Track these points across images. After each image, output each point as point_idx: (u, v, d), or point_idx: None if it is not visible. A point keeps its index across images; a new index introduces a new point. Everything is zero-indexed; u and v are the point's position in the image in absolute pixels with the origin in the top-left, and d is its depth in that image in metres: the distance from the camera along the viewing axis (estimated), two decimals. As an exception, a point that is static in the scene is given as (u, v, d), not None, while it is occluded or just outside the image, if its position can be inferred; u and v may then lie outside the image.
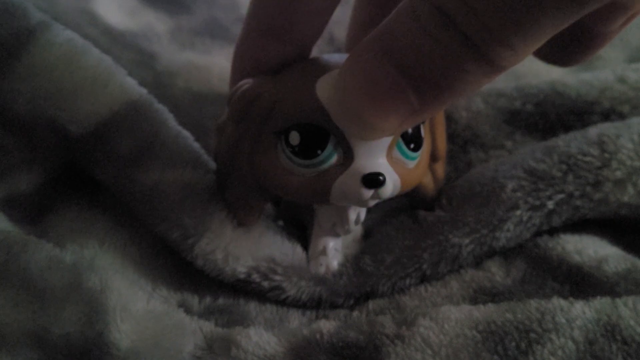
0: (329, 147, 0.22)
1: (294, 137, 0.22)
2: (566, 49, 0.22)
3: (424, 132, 0.24)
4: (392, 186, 0.23)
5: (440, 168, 0.27)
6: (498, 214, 0.26)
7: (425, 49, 0.16)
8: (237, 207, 0.26)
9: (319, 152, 0.22)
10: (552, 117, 0.31)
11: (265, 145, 0.23)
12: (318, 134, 0.22)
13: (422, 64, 0.17)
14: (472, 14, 0.15)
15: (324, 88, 0.21)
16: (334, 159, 0.22)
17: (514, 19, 0.15)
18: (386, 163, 0.23)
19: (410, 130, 0.23)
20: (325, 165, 0.22)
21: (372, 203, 0.23)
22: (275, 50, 0.23)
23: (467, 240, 0.26)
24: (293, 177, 0.23)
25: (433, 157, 0.26)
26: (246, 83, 0.23)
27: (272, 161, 0.23)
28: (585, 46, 0.21)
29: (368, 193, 0.22)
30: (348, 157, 0.22)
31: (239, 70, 0.25)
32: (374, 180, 0.22)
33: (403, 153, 0.23)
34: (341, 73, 0.19)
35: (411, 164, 0.24)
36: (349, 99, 0.18)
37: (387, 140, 0.22)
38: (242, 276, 0.26)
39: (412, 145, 0.23)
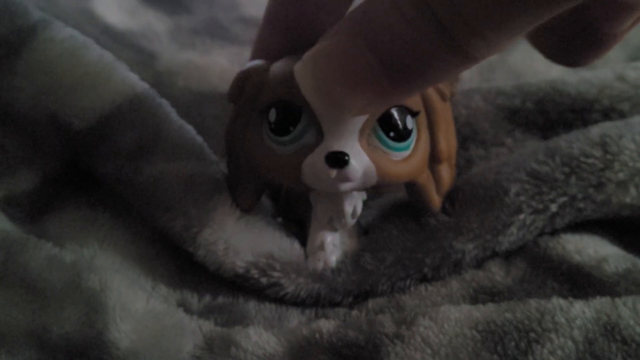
0: (301, 125, 0.23)
1: (272, 114, 0.23)
2: (575, 50, 0.22)
3: (413, 125, 0.24)
4: (360, 170, 0.22)
5: (445, 171, 0.26)
6: (502, 219, 0.26)
7: (400, 33, 0.16)
8: (234, 190, 0.26)
9: (291, 129, 0.23)
10: (552, 115, 0.31)
11: (253, 125, 0.24)
12: (291, 112, 0.23)
13: (395, 47, 0.17)
14: (449, 3, 0.15)
15: (299, 66, 0.22)
16: (307, 139, 0.23)
17: (490, 11, 0.15)
18: (356, 146, 0.23)
19: (397, 120, 0.23)
20: (298, 144, 0.23)
21: (343, 187, 0.23)
22: (287, 44, 0.24)
23: (471, 246, 0.26)
24: (272, 156, 0.23)
25: (434, 158, 0.26)
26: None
27: (258, 140, 0.24)
28: (594, 47, 0.21)
29: (331, 172, 0.22)
30: (319, 137, 0.23)
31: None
32: (336, 159, 0.22)
33: (383, 142, 0.23)
34: (315, 47, 0.19)
35: (396, 156, 0.23)
36: (319, 73, 0.19)
37: (358, 123, 0.22)
38: (240, 271, 0.26)
39: (392, 134, 0.23)
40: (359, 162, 0.22)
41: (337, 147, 0.22)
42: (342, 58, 0.18)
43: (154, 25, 0.40)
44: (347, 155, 0.22)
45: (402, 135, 0.23)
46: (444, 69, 0.17)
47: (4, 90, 0.26)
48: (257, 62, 0.24)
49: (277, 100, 0.23)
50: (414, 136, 0.24)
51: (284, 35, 0.24)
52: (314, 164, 0.22)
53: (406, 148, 0.24)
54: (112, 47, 0.36)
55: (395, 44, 0.17)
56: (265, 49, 0.25)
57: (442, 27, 0.16)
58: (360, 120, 0.22)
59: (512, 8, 0.15)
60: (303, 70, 0.19)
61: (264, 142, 0.24)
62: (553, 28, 0.16)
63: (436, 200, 0.26)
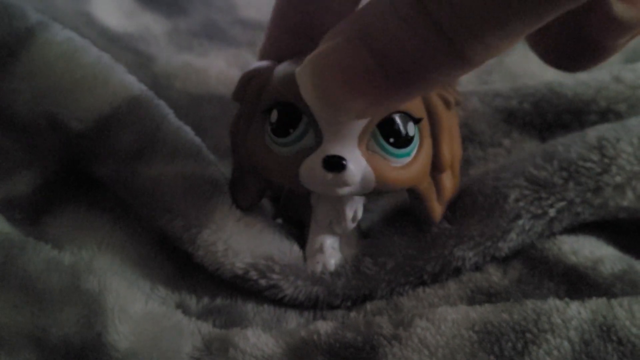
0: (301, 127, 0.23)
1: (273, 115, 0.23)
2: (571, 57, 0.22)
3: (415, 131, 0.23)
4: (359, 175, 0.22)
5: (448, 180, 0.26)
6: (502, 226, 0.26)
7: (399, 36, 0.16)
8: (234, 188, 0.26)
9: (291, 130, 0.23)
10: (549, 116, 0.31)
11: (256, 124, 0.24)
12: (292, 114, 0.23)
13: (394, 50, 0.16)
14: (448, 5, 0.15)
15: (299, 68, 0.22)
16: (307, 141, 0.23)
17: (489, 14, 0.15)
18: (355, 150, 0.22)
19: (393, 125, 0.23)
20: (298, 146, 0.23)
21: (341, 191, 0.23)
22: (296, 46, 0.24)
23: (471, 254, 0.26)
24: (272, 156, 0.23)
25: (436, 166, 0.25)
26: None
27: (259, 140, 0.24)
28: (591, 56, 0.21)
29: (328, 175, 0.22)
30: (319, 140, 0.22)
31: None
32: (333, 163, 0.22)
33: (382, 147, 0.23)
34: (315, 51, 0.19)
35: (396, 162, 0.23)
36: (318, 76, 0.18)
37: (358, 127, 0.22)
38: (240, 272, 0.26)
39: (392, 140, 0.23)
40: (357, 166, 0.22)
41: (335, 151, 0.22)
42: (340, 60, 0.18)
43: (152, 27, 0.40)
44: (345, 159, 0.22)
45: (403, 141, 0.23)
46: (442, 73, 0.16)
47: (2, 93, 0.26)
48: (263, 62, 0.25)
49: (278, 102, 0.23)
50: (415, 143, 0.24)
51: (291, 37, 0.24)
52: (312, 167, 0.22)
53: (407, 154, 0.23)
54: (109, 49, 0.35)
55: (393, 47, 0.16)
56: (274, 50, 0.25)
57: (441, 29, 0.15)
58: (359, 124, 0.22)
59: (510, 10, 0.15)
60: (303, 73, 0.19)
61: (265, 142, 0.24)
62: (551, 34, 0.16)
63: (437, 209, 0.26)
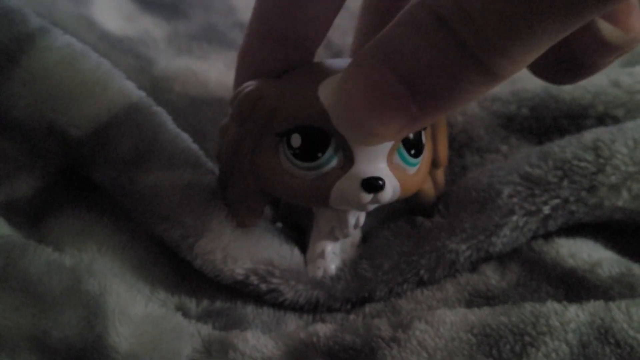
0: (330, 151, 0.22)
1: (296, 139, 0.22)
2: (559, 72, 0.22)
3: (425, 138, 0.24)
4: (391, 191, 0.23)
5: (441, 175, 0.27)
6: (494, 220, 0.26)
7: (424, 57, 0.16)
8: (237, 208, 0.26)
9: (319, 155, 0.22)
10: (547, 121, 0.31)
11: (266, 147, 0.23)
12: (319, 137, 0.22)
13: (421, 72, 0.17)
14: (470, 22, 0.15)
15: (326, 92, 0.22)
16: (334, 163, 0.22)
17: (511, 27, 0.15)
18: (386, 168, 0.23)
19: (411, 136, 0.23)
20: (326, 168, 0.23)
21: (371, 207, 0.23)
22: (279, 54, 0.23)
23: (464, 246, 0.26)
24: (293, 179, 0.23)
25: (434, 164, 0.26)
26: (249, 85, 0.23)
27: (273, 163, 0.23)
28: (578, 73, 0.21)
29: (367, 197, 0.22)
30: (348, 161, 0.22)
31: (243, 73, 0.25)
32: (373, 185, 0.22)
33: (403, 159, 0.23)
34: (343, 78, 0.19)
35: (411, 170, 0.24)
36: (350, 105, 0.18)
37: (387, 145, 0.22)
38: (240, 277, 0.26)
39: (413, 152, 0.23)
40: (390, 184, 0.23)
41: (370, 172, 0.22)
42: (369, 87, 0.18)
43: (152, 31, 0.40)
44: (382, 179, 0.22)
45: (420, 151, 0.24)
46: (470, 89, 0.17)
47: (2, 97, 0.26)
48: (262, 81, 0.23)
49: (301, 126, 0.22)
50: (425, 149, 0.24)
51: (275, 48, 0.23)
52: (346, 188, 0.22)
53: (420, 161, 0.24)
54: (110, 53, 0.36)
55: (420, 68, 0.16)
56: (256, 62, 0.24)
57: (464, 47, 0.16)
58: (389, 143, 0.22)
59: (532, 24, 0.15)
60: (333, 101, 0.19)
61: (282, 166, 0.23)
62: None
63: (432, 203, 0.27)
